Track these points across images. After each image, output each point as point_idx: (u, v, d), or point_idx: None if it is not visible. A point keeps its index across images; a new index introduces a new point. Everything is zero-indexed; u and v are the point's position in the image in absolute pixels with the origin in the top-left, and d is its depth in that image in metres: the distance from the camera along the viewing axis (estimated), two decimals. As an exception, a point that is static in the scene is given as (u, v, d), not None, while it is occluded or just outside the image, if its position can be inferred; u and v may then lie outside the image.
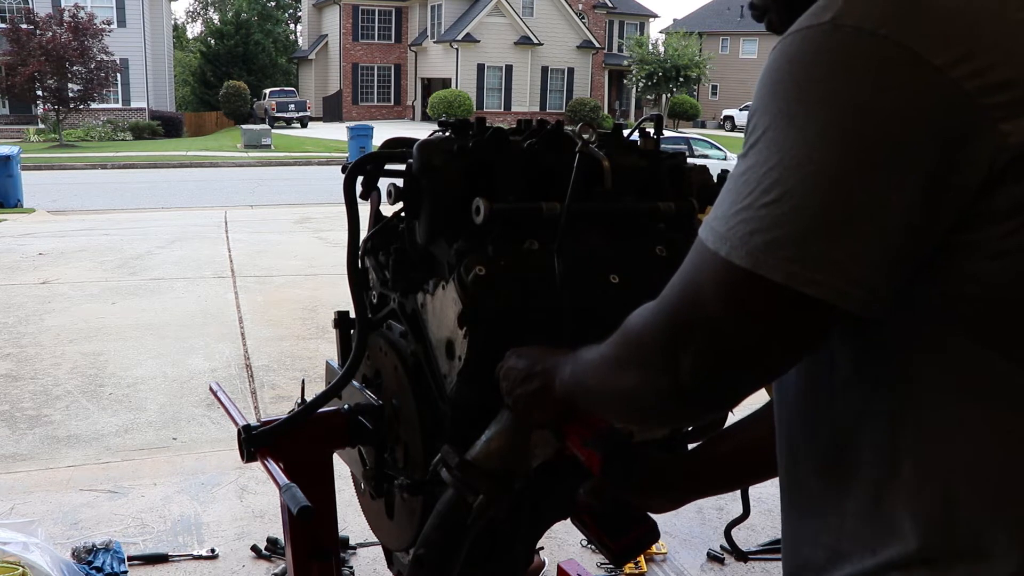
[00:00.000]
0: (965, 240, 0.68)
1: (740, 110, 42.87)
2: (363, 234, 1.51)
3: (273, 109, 38.15)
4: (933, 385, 0.75)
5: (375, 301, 1.57)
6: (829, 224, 0.67)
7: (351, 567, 2.80)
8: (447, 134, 1.41)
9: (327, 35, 45.46)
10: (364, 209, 1.50)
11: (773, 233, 0.68)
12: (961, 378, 0.74)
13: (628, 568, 2.83)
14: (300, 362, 5.19)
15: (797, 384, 0.88)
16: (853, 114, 0.66)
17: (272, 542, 2.89)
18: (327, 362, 1.78)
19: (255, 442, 1.48)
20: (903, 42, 0.65)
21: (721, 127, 42.55)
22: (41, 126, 29.84)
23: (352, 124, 21.20)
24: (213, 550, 2.88)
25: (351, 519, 2.76)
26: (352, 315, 1.53)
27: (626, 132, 1.55)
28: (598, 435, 1.15)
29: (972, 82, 0.64)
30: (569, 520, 1.61)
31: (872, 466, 0.81)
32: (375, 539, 1.80)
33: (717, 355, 0.73)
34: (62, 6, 29.07)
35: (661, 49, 39.95)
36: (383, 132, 4.81)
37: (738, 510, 1.52)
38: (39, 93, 27.37)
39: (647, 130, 1.54)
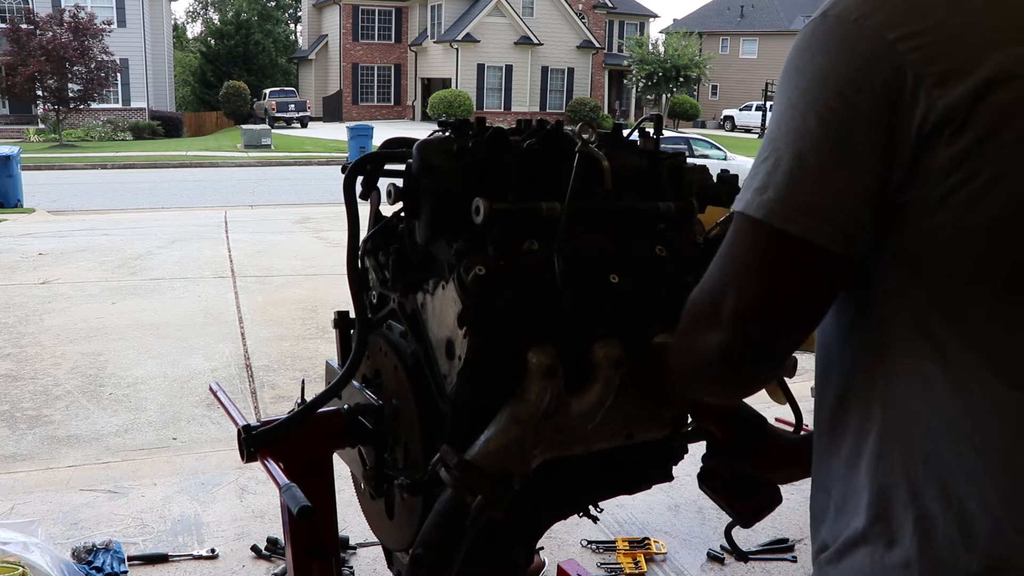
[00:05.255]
0: (912, 197, 0.78)
1: (740, 110, 42.83)
2: (363, 234, 1.51)
3: (273, 109, 38.14)
4: (899, 346, 0.83)
5: (375, 301, 1.57)
6: (801, 172, 0.79)
7: (351, 567, 2.80)
8: (447, 134, 1.41)
9: (327, 35, 45.44)
10: (364, 209, 1.50)
11: (764, 184, 0.81)
12: (915, 339, 0.81)
13: (628, 568, 2.83)
14: (300, 362, 5.19)
15: (820, 339, 0.95)
16: (816, 80, 0.79)
17: (272, 542, 2.89)
18: (327, 362, 1.78)
19: (255, 442, 1.48)
20: (868, 23, 0.77)
21: (721, 127, 42.52)
22: (41, 126, 29.84)
23: (352, 124, 21.19)
24: (213, 550, 2.88)
25: (351, 519, 2.77)
26: (352, 315, 1.53)
27: (626, 132, 1.55)
28: (731, 413, 1.28)
29: (915, 54, 0.75)
30: (576, 517, 1.61)
31: (853, 431, 0.88)
32: (375, 539, 1.80)
33: (747, 300, 0.82)
34: (62, 6, 29.05)
35: (661, 49, 39.92)
36: (383, 132, 4.81)
37: (738, 510, 1.52)
38: (39, 93, 27.37)
39: (647, 130, 1.54)
